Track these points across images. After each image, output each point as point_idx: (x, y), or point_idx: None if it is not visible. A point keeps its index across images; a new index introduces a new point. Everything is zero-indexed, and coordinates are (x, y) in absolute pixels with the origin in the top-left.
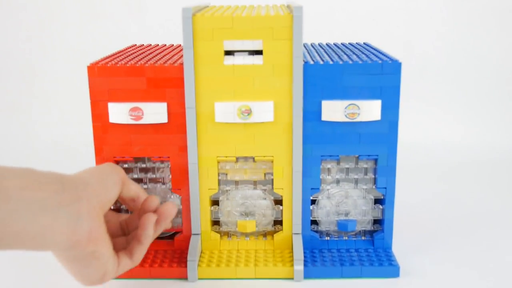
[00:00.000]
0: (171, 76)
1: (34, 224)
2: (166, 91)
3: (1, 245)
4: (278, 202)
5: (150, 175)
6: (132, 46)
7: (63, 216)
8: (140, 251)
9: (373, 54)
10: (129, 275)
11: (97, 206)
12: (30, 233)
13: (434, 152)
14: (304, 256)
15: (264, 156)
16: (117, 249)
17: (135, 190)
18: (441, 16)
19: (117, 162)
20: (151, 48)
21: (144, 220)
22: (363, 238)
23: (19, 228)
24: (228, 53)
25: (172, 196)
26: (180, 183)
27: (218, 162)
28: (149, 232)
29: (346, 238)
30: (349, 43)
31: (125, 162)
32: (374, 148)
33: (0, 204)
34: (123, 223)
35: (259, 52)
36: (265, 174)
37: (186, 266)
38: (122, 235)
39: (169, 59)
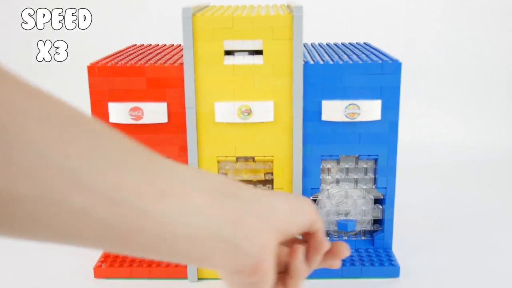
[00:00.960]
0: (171, 76)
1: (202, 248)
2: (166, 91)
3: (164, 256)
4: None
5: None
6: (132, 46)
7: (233, 246)
8: (293, 285)
9: (373, 54)
10: (129, 275)
11: (274, 237)
12: (195, 254)
13: (434, 152)
14: None
15: (264, 156)
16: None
17: (316, 228)
18: (441, 16)
19: None
20: (151, 48)
21: (293, 251)
22: (363, 238)
23: (187, 247)
24: (228, 53)
25: None
26: None
27: (218, 162)
28: (298, 264)
29: (346, 238)
30: (349, 43)
31: None
32: (374, 148)
33: (180, 219)
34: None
35: (259, 52)
36: (265, 174)
37: (186, 266)
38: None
39: (169, 59)
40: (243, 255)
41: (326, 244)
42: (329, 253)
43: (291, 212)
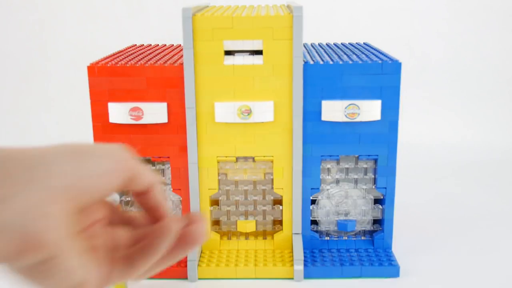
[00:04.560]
0: (171, 76)
1: None
2: (166, 91)
3: None
4: (278, 201)
5: None
6: (132, 46)
7: None
8: (142, 265)
9: (373, 54)
10: None
11: (63, 198)
12: None
13: (434, 152)
14: (304, 256)
15: (264, 156)
16: (115, 256)
17: (147, 183)
18: (442, 16)
19: None
20: (151, 48)
21: (157, 231)
22: (363, 238)
23: None
24: (228, 53)
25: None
26: (180, 183)
27: (218, 162)
28: (159, 247)
29: (346, 238)
30: (349, 43)
31: None
32: (374, 148)
33: None
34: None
35: (259, 52)
36: (265, 174)
37: (186, 266)
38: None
39: (169, 59)
40: (12, 232)
41: (170, 227)
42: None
43: (77, 163)
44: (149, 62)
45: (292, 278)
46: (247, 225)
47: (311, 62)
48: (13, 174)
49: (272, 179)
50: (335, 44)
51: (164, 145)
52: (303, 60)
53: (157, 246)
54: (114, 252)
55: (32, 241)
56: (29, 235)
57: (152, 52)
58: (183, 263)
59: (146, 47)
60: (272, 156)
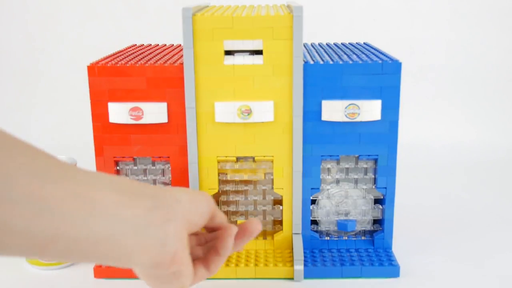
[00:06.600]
0: (171, 76)
1: (123, 245)
2: (166, 91)
3: (86, 259)
4: (278, 201)
5: (151, 177)
6: (132, 46)
7: (151, 237)
8: (218, 263)
9: (373, 54)
10: (129, 275)
11: (184, 227)
12: (118, 252)
13: (434, 152)
14: (304, 256)
15: (264, 156)
16: (192, 258)
17: (220, 221)
18: (442, 16)
19: (117, 162)
20: (151, 48)
21: (224, 233)
22: (363, 238)
23: (109, 248)
24: (228, 53)
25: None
26: (180, 183)
27: (218, 162)
28: (228, 244)
29: (346, 238)
30: (349, 43)
31: (125, 162)
32: (374, 148)
33: (98, 221)
34: (199, 233)
35: (259, 52)
36: (265, 174)
37: None
38: (198, 245)
39: (169, 59)
40: (161, 247)
41: (234, 228)
42: (242, 233)
43: (192, 202)
44: (149, 62)
45: (292, 278)
46: None
47: (311, 62)
48: (163, 206)
49: (272, 179)
50: (335, 44)
51: (164, 145)
52: (303, 60)
53: (228, 244)
54: (193, 255)
55: (175, 257)
56: (175, 253)
57: (152, 52)
58: None
59: (146, 47)
60: (272, 156)
